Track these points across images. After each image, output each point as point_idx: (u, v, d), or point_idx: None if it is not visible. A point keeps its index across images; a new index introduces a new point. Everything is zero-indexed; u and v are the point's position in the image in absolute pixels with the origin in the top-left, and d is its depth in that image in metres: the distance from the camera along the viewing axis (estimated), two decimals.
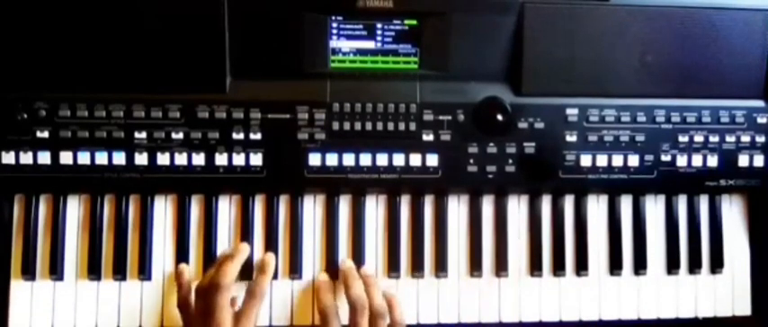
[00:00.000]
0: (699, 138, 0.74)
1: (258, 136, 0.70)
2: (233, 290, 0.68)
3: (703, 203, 0.78)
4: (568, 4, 0.72)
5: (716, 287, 0.78)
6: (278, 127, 0.71)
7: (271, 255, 0.72)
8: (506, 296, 0.75)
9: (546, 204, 0.77)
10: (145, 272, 0.72)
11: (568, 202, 0.77)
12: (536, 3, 0.72)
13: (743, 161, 0.75)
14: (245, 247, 0.72)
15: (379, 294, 0.70)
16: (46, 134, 0.69)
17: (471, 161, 0.72)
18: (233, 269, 0.68)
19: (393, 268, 0.74)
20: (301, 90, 0.71)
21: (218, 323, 0.65)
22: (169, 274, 0.72)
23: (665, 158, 0.74)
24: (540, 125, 0.73)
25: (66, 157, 0.69)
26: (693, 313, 0.77)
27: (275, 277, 0.73)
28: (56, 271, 0.71)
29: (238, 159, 0.70)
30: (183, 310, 0.69)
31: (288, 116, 0.71)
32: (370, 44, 0.73)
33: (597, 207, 0.78)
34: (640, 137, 0.74)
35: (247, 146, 0.71)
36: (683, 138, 0.74)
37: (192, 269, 0.72)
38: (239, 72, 0.71)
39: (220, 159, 0.70)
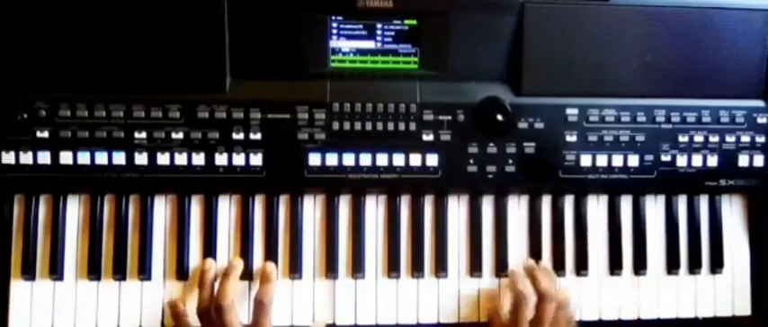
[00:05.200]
0: (699, 138, 0.74)
1: (258, 136, 0.70)
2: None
3: (703, 203, 0.78)
4: (568, 4, 0.72)
5: (716, 287, 0.78)
6: (278, 127, 0.71)
7: (271, 264, 0.72)
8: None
9: (546, 204, 0.77)
10: (145, 272, 0.72)
11: (568, 202, 0.77)
12: (536, 3, 0.72)
13: (743, 161, 0.75)
14: (239, 262, 0.71)
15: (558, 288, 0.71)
16: (46, 134, 0.69)
17: (471, 161, 0.72)
18: (231, 287, 0.68)
19: (393, 268, 0.74)
20: (301, 90, 0.71)
21: None
22: (169, 272, 0.73)
23: (665, 158, 0.74)
24: (540, 125, 0.73)
25: (66, 157, 0.69)
26: (693, 313, 0.77)
27: (275, 277, 0.73)
28: (56, 271, 0.71)
29: (238, 159, 0.70)
30: (203, 318, 0.69)
31: (288, 116, 0.71)
32: (370, 44, 0.73)
33: (597, 207, 0.78)
34: (640, 137, 0.74)
35: (247, 146, 0.70)
36: (683, 138, 0.74)
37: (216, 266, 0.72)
38: (239, 72, 0.71)
39: (220, 159, 0.70)
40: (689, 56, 0.74)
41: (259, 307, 0.68)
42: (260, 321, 0.68)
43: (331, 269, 0.73)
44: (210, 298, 0.68)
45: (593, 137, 0.73)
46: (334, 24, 0.72)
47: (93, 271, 0.71)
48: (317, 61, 0.72)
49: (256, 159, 0.71)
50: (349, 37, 0.73)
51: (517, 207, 0.77)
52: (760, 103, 0.75)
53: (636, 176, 0.74)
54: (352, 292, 0.74)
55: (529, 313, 0.68)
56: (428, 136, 0.72)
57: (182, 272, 0.72)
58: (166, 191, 0.73)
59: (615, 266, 0.76)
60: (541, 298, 0.68)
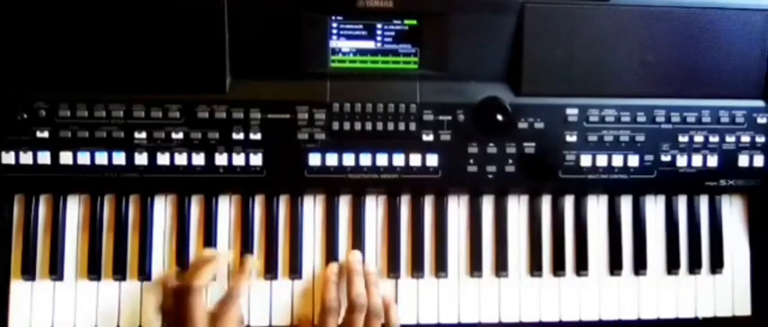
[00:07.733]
0: (699, 138, 0.74)
1: (258, 136, 0.70)
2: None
3: (703, 203, 0.78)
4: (568, 4, 0.72)
5: (716, 287, 0.78)
6: (278, 127, 0.71)
7: (251, 256, 0.72)
8: (506, 296, 0.75)
9: (546, 204, 0.77)
10: (145, 272, 0.72)
11: (568, 202, 0.77)
12: (536, 3, 0.72)
13: (743, 161, 0.75)
14: (225, 253, 0.71)
15: (379, 293, 0.70)
16: (46, 134, 0.69)
17: (471, 161, 0.72)
18: (208, 272, 0.66)
19: (393, 268, 0.74)
20: (301, 90, 0.71)
21: (193, 325, 0.63)
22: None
23: (665, 158, 0.74)
24: (540, 125, 0.73)
25: (66, 157, 0.69)
26: (693, 313, 0.77)
27: (275, 277, 0.73)
28: (56, 271, 0.71)
29: (238, 159, 0.70)
30: (175, 295, 0.67)
31: (288, 116, 0.71)
32: (370, 44, 0.73)
33: (597, 207, 0.78)
34: (640, 137, 0.74)
35: (247, 146, 0.71)
36: (683, 138, 0.74)
37: None
38: (239, 72, 0.71)
39: (220, 159, 0.70)
40: (689, 56, 0.74)
41: (226, 297, 0.67)
42: (224, 311, 0.65)
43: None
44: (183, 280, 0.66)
45: (593, 137, 0.73)
46: (334, 24, 0.72)
47: (93, 271, 0.72)
48: (317, 61, 0.72)
49: (256, 159, 0.71)
50: (349, 37, 0.73)
51: (517, 207, 0.77)
52: (760, 103, 0.75)
53: (636, 176, 0.74)
54: None
55: (333, 322, 0.67)
56: (428, 137, 0.72)
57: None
58: (166, 191, 0.73)
59: (615, 266, 0.76)
60: (350, 307, 0.67)
